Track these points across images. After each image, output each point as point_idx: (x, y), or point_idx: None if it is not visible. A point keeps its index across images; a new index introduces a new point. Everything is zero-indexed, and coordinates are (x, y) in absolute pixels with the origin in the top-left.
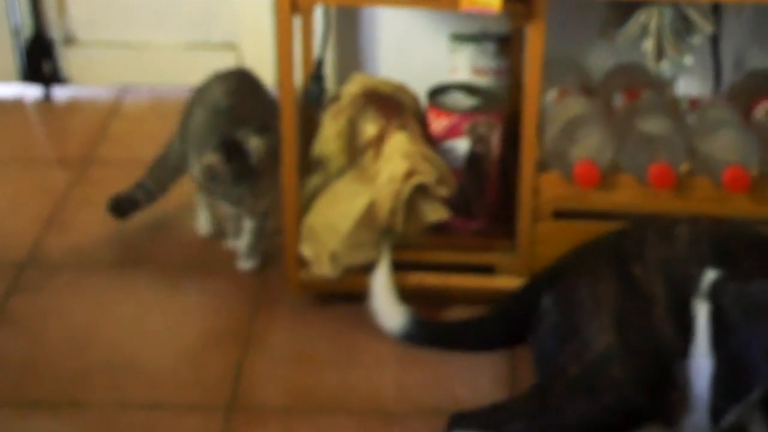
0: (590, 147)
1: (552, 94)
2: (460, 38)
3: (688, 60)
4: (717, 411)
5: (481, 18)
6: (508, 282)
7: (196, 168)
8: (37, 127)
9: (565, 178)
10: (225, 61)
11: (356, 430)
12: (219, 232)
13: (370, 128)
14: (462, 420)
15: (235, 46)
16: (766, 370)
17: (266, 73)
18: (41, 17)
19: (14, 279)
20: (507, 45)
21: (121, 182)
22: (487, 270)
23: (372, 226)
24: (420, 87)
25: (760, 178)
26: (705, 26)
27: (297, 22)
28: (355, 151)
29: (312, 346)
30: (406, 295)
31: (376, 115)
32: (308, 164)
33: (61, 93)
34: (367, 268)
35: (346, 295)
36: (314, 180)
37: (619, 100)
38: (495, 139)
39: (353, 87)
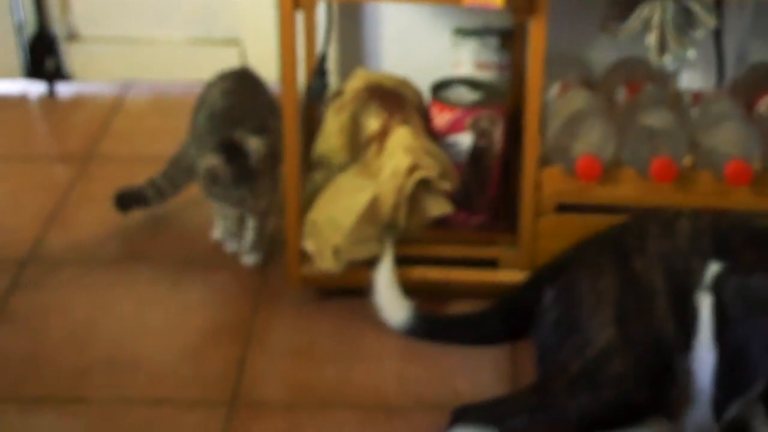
0: (592, 141)
1: (554, 89)
2: (462, 33)
3: (691, 54)
4: (719, 405)
5: (483, 13)
6: (510, 276)
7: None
8: (40, 123)
9: (567, 172)
10: (228, 57)
11: (358, 425)
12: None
13: (373, 123)
14: (464, 414)
15: (237, 42)
16: (767, 364)
17: (269, 69)
18: (44, 14)
19: (16, 275)
20: (510, 40)
21: (124, 178)
22: (490, 264)
23: (375, 221)
24: (423, 82)
25: (763, 171)
26: (708, 20)
27: (300, 18)
28: (358, 146)
29: (314, 341)
30: (408, 289)
31: (379, 109)
32: (311, 160)
33: (64, 89)
34: (370, 263)
35: (348, 289)
36: (317, 175)
37: (621, 95)
38: (497, 134)
39: (356, 82)
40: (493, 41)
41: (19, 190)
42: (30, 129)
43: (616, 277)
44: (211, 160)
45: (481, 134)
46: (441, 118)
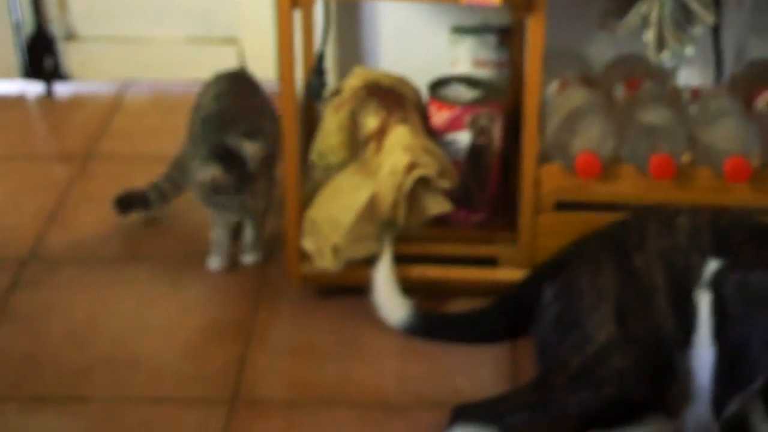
0: (591, 138)
1: (553, 86)
2: (460, 31)
3: (689, 51)
4: (719, 401)
5: (481, 10)
6: (509, 274)
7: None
8: (38, 123)
9: (566, 169)
10: (226, 56)
11: (358, 423)
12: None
13: (371, 121)
14: (464, 413)
15: (235, 41)
16: (767, 360)
17: (267, 68)
18: (42, 13)
19: (16, 274)
20: (508, 37)
21: (123, 177)
22: (489, 262)
23: (374, 220)
24: (421, 80)
25: (761, 168)
26: (706, 17)
27: (297, 16)
28: (356, 145)
29: (314, 340)
30: (408, 287)
31: (378, 108)
32: (309, 158)
33: (62, 89)
34: (369, 262)
35: (348, 288)
36: (316, 174)
37: (620, 91)
38: (496, 132)
39: (354, 80)
40: (491, 39)
41: (18, 189)
42: (29, 129)
43: (616, 273)
44: (211, 171)
45: (479, 132)
46: (439, 117)
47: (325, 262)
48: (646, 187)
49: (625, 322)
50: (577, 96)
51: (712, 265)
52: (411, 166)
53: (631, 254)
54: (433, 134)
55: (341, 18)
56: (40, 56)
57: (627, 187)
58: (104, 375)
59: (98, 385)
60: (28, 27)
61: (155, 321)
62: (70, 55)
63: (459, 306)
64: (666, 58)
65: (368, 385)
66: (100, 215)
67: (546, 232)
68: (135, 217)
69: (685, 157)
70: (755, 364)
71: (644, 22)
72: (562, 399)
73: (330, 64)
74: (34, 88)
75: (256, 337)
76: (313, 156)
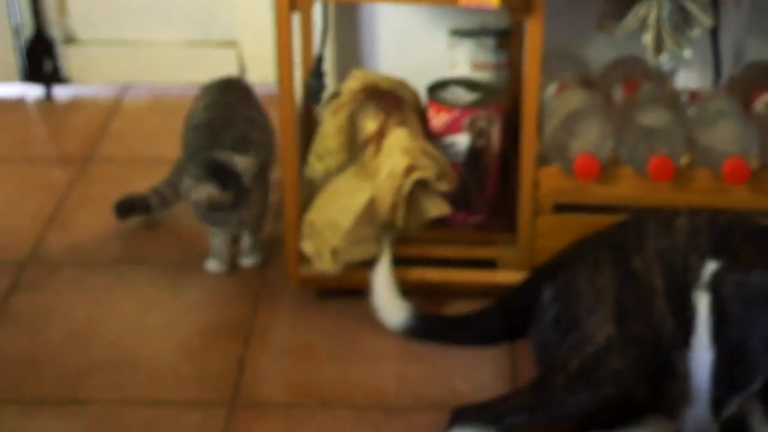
0: (590, 140)
1: (551, 88)
2: (459, 33)
3: (688, 53)
4: (718, 402)
5: (480, 13)
6: (508, 276)
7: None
8: (38, 126)
9: (565, 171)
10: (225, 59)
11: (357, 425)
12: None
13: (370, 124)
14: (463, 414)
15: (234, 44)
16: (766, 361)
17: (266, 71)
18: (41, 17)
19: (15, 277)
20: (506, 39)
21: (122, 180)
22: (488, 264)
23: (373, 222)
24: (420, 82)
25: (760, 169)
26: (704, 19)
27: (296, 19)
28: (355, 147)
29: (313, 342)
30: (407, 289)
31: (376, 110)
32: (308, 161)
33: (61, 92)
34: (368, 264)
35: (347, 290)
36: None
37: (618, 93)
38: (495, 134)
39: (353, 83)
40: (490, 41)
41: (18, 192)
42: (28, 131)
43: (615, 274)
44: (206, 191)
45: (478, 134)
46: (438, 119)
47: (324, 265)
48: (644, 188)
49: (624, 323)
50: (576, 98)
51: (711, 266)
52: (410, 169)
53: (630, 255)
54: (432, 137)
55: (340, 21)
56: (40, 59)
57: (626, 188)
58: (104, 377)
59: (98, 387)
60: (28, 30)
61: (155, 323)
62: (69, 58)
63: (458, 308)
64: (664, 60)
65: (367, 386)
66: (99, 217)
67: (545, 233)
68: (134, 219)
69: (684, 159)
70: (754, 365)
71: (643, 24)
72: (562, 400)
73: (329, 67)
74: (33, 91)
75: (255, 339)
76: (312, 159)
